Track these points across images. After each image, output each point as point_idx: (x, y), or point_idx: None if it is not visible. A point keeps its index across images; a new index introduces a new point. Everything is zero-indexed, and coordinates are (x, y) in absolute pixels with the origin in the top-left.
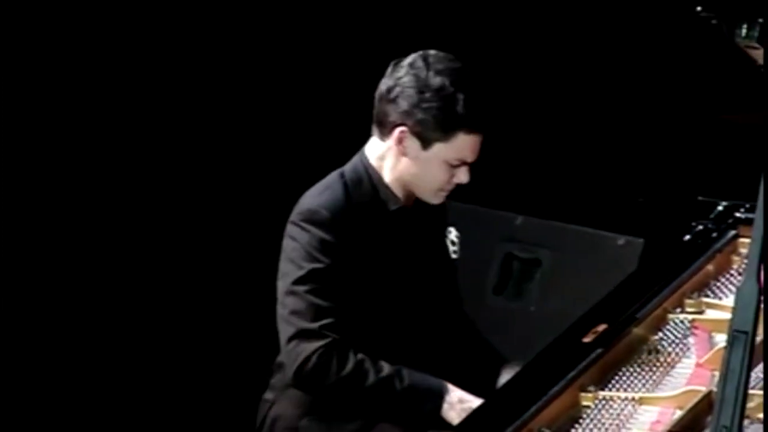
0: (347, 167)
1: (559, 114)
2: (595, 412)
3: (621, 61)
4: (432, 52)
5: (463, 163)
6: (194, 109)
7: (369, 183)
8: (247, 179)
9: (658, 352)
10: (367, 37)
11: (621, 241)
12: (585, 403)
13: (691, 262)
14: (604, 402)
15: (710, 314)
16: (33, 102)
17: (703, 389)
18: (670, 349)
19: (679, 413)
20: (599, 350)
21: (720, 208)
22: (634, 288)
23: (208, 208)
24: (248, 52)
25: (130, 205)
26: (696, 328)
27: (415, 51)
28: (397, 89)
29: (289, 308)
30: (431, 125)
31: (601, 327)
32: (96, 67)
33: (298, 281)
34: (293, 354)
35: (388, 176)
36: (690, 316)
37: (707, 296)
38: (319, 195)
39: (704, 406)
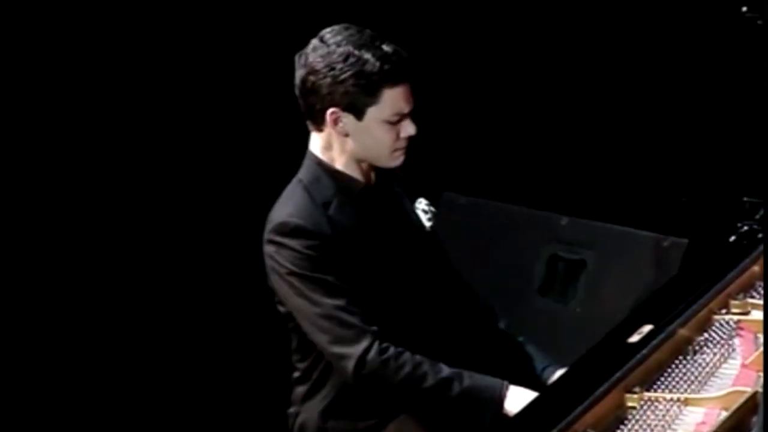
0: (301, 172)
1: (604, 114)
2: (641, 413)
3: (667, 60)
4: (326, 30)
5: (403, 116)
6: (189, 106)
7: (326, 177)
8: (249, 179)
9: (703, 353)
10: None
11: (666, 242)
12: (630, 404)
13: (737, 262)
14: (649, 403)
15: (755, 315)
16: (31, 102)
17: (749, 390)
18: (715, 350)
19: (724, 414)
20: (644, 351)
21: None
22: (680, 289)
23: (211, 207)
24: (247, 50)
25: (132, 206)
26: (741, 328)
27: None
28: (311, 77)
29: (316, 320)
30: (354, 94)
31: (647, 328)
32: (96, 66)
33: (310, 294)
34: (342, 362)
35: (340, 162)
36: (735, 317)
37: (752, 297)
38: (284, 206)
39: (750, 407)
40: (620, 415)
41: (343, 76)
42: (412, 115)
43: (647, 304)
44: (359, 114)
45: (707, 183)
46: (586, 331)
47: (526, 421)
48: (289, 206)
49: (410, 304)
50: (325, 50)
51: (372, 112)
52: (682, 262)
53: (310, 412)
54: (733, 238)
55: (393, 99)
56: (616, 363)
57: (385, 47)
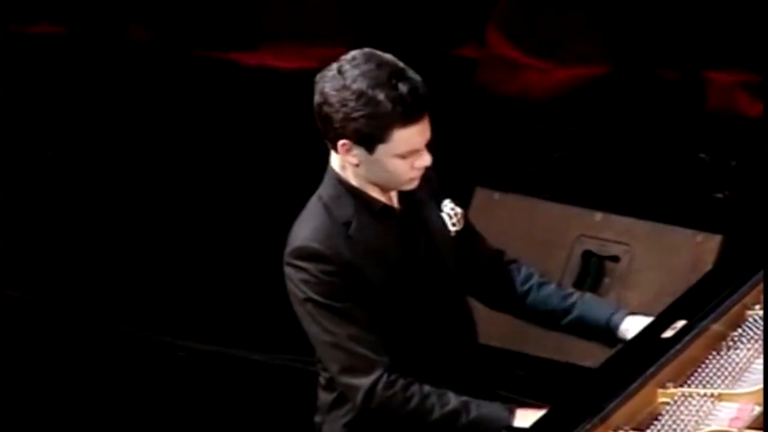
0: (322, 188)
1: (637, 108)
2: (674, 408)
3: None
4: (348, 58)
5: (415, 151)
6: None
7: (346, 194)
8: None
9: (737, 348)
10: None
11: (699, 237)
12: (664, 399)
13: None
14: (682, 398)
15: None
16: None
17: None
18: (749, 345)
19: (758, 409)
20: (678, 347)
21: None
22: (713, 284)
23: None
24: None
25: (133, 205)
26: None
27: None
28: (325, 107)
29: (327, 349)
30: (365, 132)
31: (680, 323)
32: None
33: (323, 321)
34: (351, 392)
35: (356, 182)
36: None
37: None
38: (304, 228)
39: None
40: (654, 411)
41: (354, 115)
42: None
43: (681, 300)
44: (370, 149)
45: (742, 178)
46: None
47: (559, 417)
48: (308, 228)
49: (427, 326)
50: (340, 83)
51: (383, 149)
52: (716, 257)
53: (335, 422)
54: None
55: (405, 138)
56: (650, 359)
57: (402, 86)
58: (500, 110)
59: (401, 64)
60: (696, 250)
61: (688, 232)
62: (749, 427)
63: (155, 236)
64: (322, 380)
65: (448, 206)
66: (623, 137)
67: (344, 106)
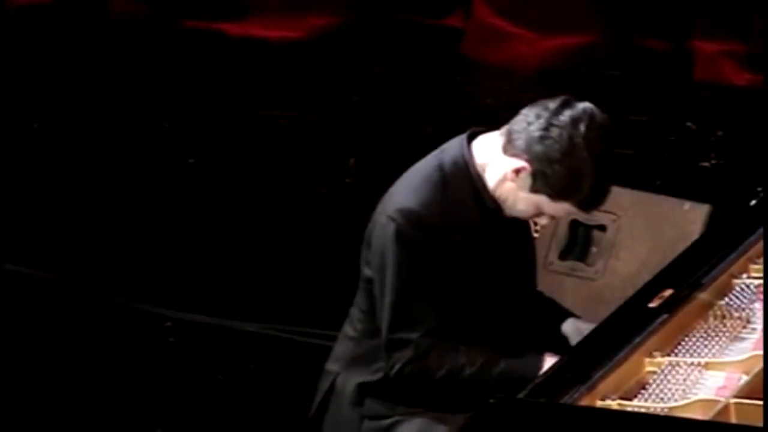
0: (446, 158)
1: (621, 80)
2: (661, 377)
3: None
4: (599, 118)
5: (552, 217)
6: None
7: (468, 179)
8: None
9: (723, 317)
10: None
11: (686, 206)
12: (651, 368)
13: (757, 227)
14: (670, 367)
15: None
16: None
17: None
18: (736, 315)
19: (745, 378)
20: (665, 316)
21: None
22: (700, 253)
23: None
24: None
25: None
26: (762, 293)
27: None
28: (547, 141)
29: (388, 310)
30: (549, 186)
31: (667, 292)
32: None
33: (397, 284)
34: (391, 360)
35: (489, 180)
36: (756, 282)
37: None
38: (415, 191)
39: None
40: (641, 380)
41: (559, 171)
42: None
43: (668, 269)
44: (535, 191)
45: (729, 148)
46: (606, 296)
47: (546, 387)
48: (422, 193)
49: (489, 320)
50: (579, 139)
51: (542, 199)
52: (703, 227)
53: (352, 377)
54: (753, 202)
55: (565, 210)
56: (637, 328)
57: (604, 183)
58: (487, 81)
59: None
60: (683, 220)
61: (676, 201)
62: (736, 396)
63: (145, 208)
64: (351, 332)
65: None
66: (610, 107)
67: (561, 157)
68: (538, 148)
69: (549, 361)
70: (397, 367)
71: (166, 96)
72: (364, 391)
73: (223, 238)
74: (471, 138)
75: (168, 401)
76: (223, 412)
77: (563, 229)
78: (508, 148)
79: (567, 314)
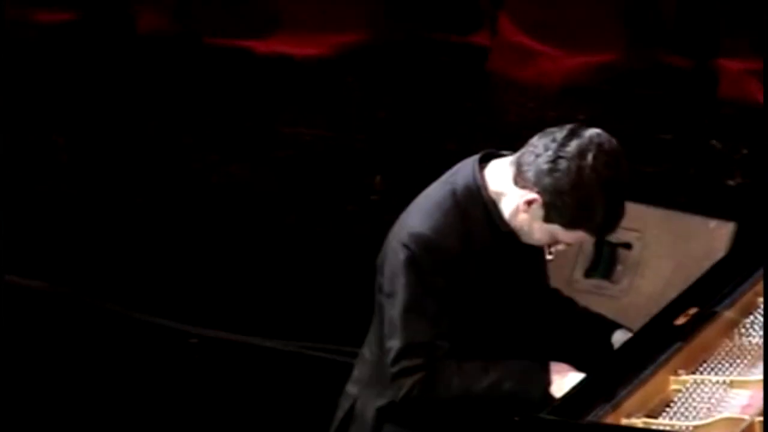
0: (459, 183)
1: (646, 98)
2: (686, 395)
3: None
4: (606, 146)
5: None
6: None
7: (481, 204)
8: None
9: (749, 335)
10: None
11: (711, 224)
12: (676, 386)
13: None
14: (695, 385)
15: None
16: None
17: None
18: (761, 332)
19: None
20: (690, 334)
21: None
22: (726, 271)
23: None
24: None
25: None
26: None
27: None
28: (555, 173)
29: (397, 334)
30: (562, 216)
31: (693, 310)
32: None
33: (407, 309)
34: (397, 384)
35: (504, 210)
36: None
37: None
38: (428, 216)
39: None
40: (666, 398)
41: (570, 201)
42: None
43: (693, 287)
44: (548, 221)
45: (753, 166)
46: (631, 314)
47: (572, 405)
48: (435, 218)
49: (502, 340)
50: (586, 171)
51: (556, 228)
52: (728, 244)
53: (370, 400)
54: None
55: (579, 238)
56: (662, 346)
57: (616, 210)
58: (512, 98)
59: (627, 176)
60: (708, 237)
61: (701, 219)
62: (761, 414)
63: (168, 223)
64: (368, 354)
65: None
66: (635, 125)
67: (570, 189)
68: (547, 180)
69: (556, 371)
70: (404, 390)
71: (192, 112)
72: (383, 415)
73: (249, 255)
74: (482, 160)
75: (193, 417)
76: (247, 429)
77: (588, 247)
78: (519, 180)
79: (608, 323)
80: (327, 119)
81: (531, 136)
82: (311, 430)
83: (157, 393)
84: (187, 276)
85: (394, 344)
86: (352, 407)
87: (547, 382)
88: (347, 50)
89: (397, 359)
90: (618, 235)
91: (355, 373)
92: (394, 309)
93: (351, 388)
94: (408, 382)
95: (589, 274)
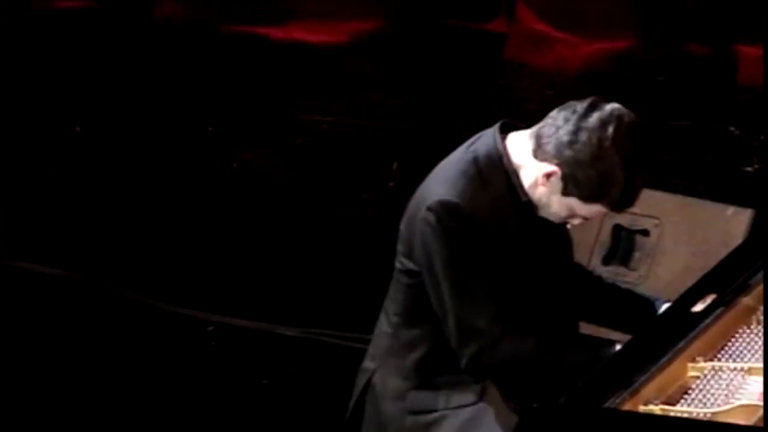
0: (481, 151)
1: (664, 84)
2: (704, 382)
3: None
4: (626, 119)
5: (585, 218)
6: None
7: (503, 173)
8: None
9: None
10: None
11: (729, 211)
12: (694, 373)
13: None
14: (712, 372)
15: None
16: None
17: None
18: None
19: None
20: (708, 321)
21: None
22: (744, 258)
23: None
24: None
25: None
26: None
27: None
28: (576, 145)
29: (450, 303)
30: (580, 189)
31: (710, 297)
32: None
33: (452, 275)
34: (465, 350)
35: (526, 181)
36: None
37: None
38: (453, 183)
39: None
40: (684, 385)
41: (591, 174)
42: None
43: (711, 274)
44: (567, 194)
45: None
46: None
47: (589, 392)
48: (460, 185)
49: (533, 308)
50: (608, 143)
51: (574, 202)
52: (746, 231)
53: (390, 373)
54: None
55: (597, 212)
56: (680, 333)
57: (636, 181)
58: (530, 85)
59: (647, 150)
60: (726, 224)
61: (719, 206)
62: None
63: (186, 211)
64: (386, 326)
65: None
66: (653, 111)
67: (592, 160)
68: (568, 152)
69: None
70: (467, 357)
71: (210, 100)
72: (406, 384)
73: (266, 243)
74: (503, 130)
75: (210, 404)
76: (264, 416)
77: (606, 234)
78: (538, 153)
79: (638, 296)
80: (343, 106)
81: None
82: (328, 417)
83: (173, 380)
84: (204, 263)
85: (451, 312)
86: (368, 381)
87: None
88: (364, 37)
89: (458, 325)
90: (636, 222)
91: (372, 348)
92: (437, 278)
93: (368, 364)
94: (476, 346)
95: (606, 261)
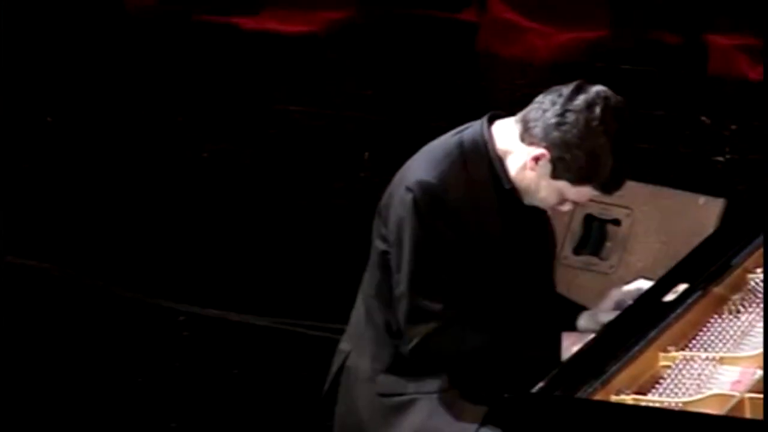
0: (466, 136)
1: (635, 74)
2: (676, 372)
3: None
4: (612, 100)
5: (575, 201)
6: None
7: (486, 160)
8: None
9: (738, 311)
10: None
11: (701, 200)
12: (665, 363)
13: None
14: (684, 362)
15: None
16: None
17: None
18: (750, 309)
19: (759, 373)
20: (679, 310)
21: None
22: (715, 248)
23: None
24: None
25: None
26: None
27: None
28: (563, 127)
29: (407, 282)
30: (570, 171)
31: (682, 287)
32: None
33: (416, 255)
34: (412, 332)
35: (511, 169)
36: None
37: None
38: (435, 165)
39: None
40: (655, 375)
41: (579, 155)
42: None
43: (682, 263)
44: (556, 177)
45: (742, 142)
46: None
47: (561, 381)
48: (442, 167)
49: (511, 300)
50: (595, 122)
51: (564, 185)
52: (717, 221)
53: (364, 354)
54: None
55: (587, 194)
56: (651, 322)
57: (624, 162)
58: (501, 75)
59: (634, 130)
60: (697, 214)
61: (690, 195)
62: (751, 391)
63: (158, 202)
64: (362, 308)
65: None
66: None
67: (579, 141)
68: (556, 134)
69: (568, 341)
70: (417, 340)
71: (181, 90)
72: (378, 366)
73: (237, 233)
74: (491, 120)
75: (182, 395)
76: (236, 406)
77: (577, 224)
78: (526, 137)
79: (576, 309)
80: (315, 96)
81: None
82: (302, 408)
83: (145, 370)
84: (175, 253)
85: (406, 291)
86: (343, 363)
87: (560, 350)
88: (335, 27)
89: (411, 304)
90: (607, 212)
91: (348, 330)
92: (402, 255)
93: (343, 345)
94: (424, 329)
95: (578, 250)
